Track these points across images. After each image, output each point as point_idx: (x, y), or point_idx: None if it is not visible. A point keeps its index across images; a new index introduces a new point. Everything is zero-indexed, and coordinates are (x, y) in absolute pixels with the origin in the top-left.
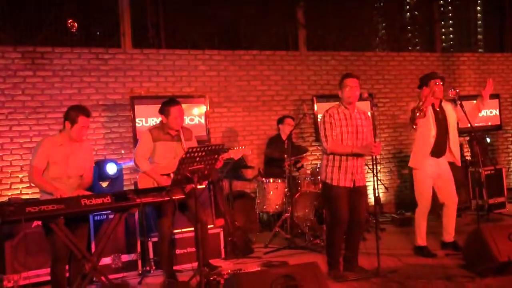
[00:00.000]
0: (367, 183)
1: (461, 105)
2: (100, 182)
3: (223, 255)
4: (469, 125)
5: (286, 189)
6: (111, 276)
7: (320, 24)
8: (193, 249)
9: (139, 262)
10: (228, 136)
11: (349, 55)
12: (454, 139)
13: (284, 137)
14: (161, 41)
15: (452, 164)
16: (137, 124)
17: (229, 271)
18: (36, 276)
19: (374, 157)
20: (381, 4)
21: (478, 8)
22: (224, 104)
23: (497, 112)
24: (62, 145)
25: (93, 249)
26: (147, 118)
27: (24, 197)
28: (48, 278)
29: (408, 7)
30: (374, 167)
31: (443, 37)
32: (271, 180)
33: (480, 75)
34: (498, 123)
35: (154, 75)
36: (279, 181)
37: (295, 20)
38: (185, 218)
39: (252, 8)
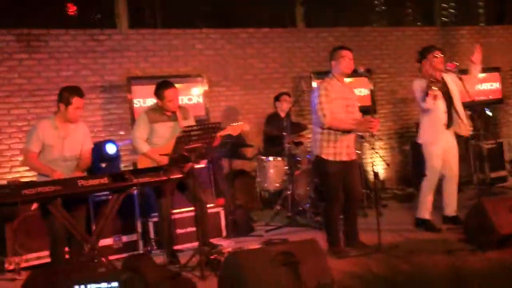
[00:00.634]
0: (367, 160)
1: (461, 79)
2: (100, 164)
3: (224, 234)
4: (469, 99)
5: (286, 167)
6: (112, 257)
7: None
8: (194, 229)
9: (140, 243)
10: (227, 115)
11: (346, 31)
12: (461, 110)
13: (282, 114)
14: (157, 21)
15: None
16: (134, 105)
17: (229, 249)
18: (37, 258)
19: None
20: None
21: None
22: (222, 83)
23: (498, 85)
24: (57, 127)
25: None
26: (145, 99)
27: (24, 180)
28: (49, 260)
29: None
30: (374, 142)
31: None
32: (271, 158)
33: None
34: (500, 96)
35: (150, 56)
36: (279, 159)
37: None
38: (184, 198)
39: None
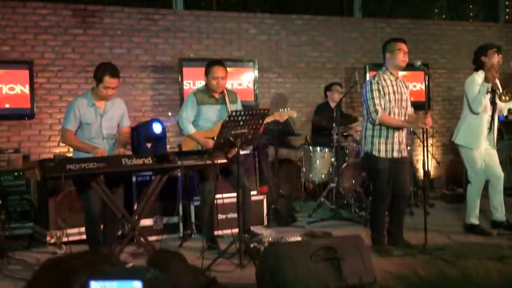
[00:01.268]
0: (417, 157)
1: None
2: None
3: (265, 223)
4: None
5: (333, 159)
6: (152, 238)
7: None
8: (235, 215)
9: (181, 225)
10: (276, 102)
11: (406, 23)
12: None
13: (332, 105)
14: (212, 3)
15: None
16: (184, 87)
17: (270, 239)
18: (78, 234)
19: (425, 129)
20: None
21: None
22: (274, 70)
23: None
24: (93, 104)
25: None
26: (195, 81)
27: (70, 155)
28: None
29: None
30: (425, 139)
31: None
32: (318, 148)
33: None
34: None
35: (204, 38)
36: (326, 150)
37: None
38: (228, 183)
39: None
